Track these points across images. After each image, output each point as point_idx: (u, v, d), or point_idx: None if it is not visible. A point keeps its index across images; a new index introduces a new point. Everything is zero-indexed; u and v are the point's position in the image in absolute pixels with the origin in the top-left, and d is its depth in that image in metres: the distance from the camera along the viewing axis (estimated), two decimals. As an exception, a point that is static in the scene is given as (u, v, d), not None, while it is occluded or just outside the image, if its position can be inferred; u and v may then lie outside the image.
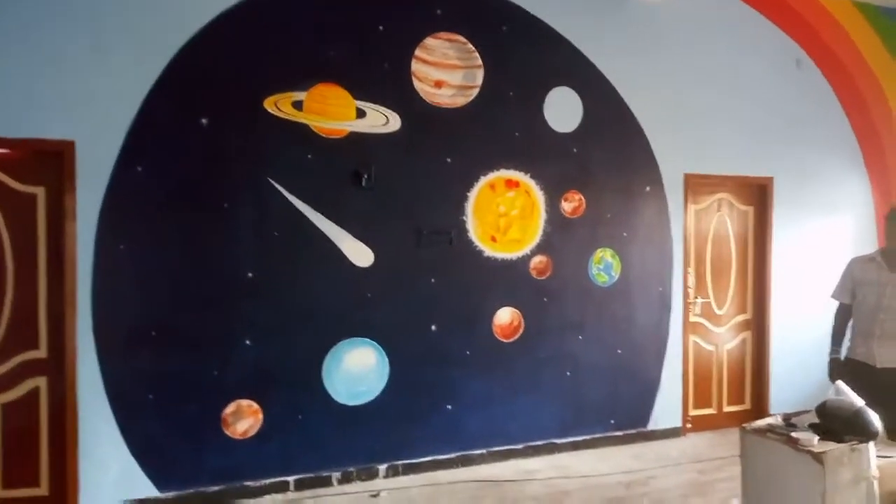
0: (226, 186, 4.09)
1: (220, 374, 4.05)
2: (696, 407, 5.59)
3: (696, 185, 5.52)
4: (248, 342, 4.13)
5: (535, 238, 4.93)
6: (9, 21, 3.65)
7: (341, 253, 4.37)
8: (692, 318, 5.58)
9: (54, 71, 3.72)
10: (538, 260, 4.92)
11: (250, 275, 4.14)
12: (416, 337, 4.57)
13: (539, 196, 4.94)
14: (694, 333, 5.60)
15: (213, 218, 4.07)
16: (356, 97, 4.38)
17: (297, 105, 4.25)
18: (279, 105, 4.21)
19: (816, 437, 2.50)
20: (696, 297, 5.61)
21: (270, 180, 4.19)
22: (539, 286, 4.93)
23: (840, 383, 2.87)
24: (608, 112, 5.15)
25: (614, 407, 5.22)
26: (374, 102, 4.43)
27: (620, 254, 5.21)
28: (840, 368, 3.65)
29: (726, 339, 5.76)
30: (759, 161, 5.72)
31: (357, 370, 4.42)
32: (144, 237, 3.92)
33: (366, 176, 4.37)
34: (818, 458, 2.38)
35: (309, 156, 4.28)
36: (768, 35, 5.74)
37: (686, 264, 5.48)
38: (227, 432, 4.08)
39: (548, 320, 4.97)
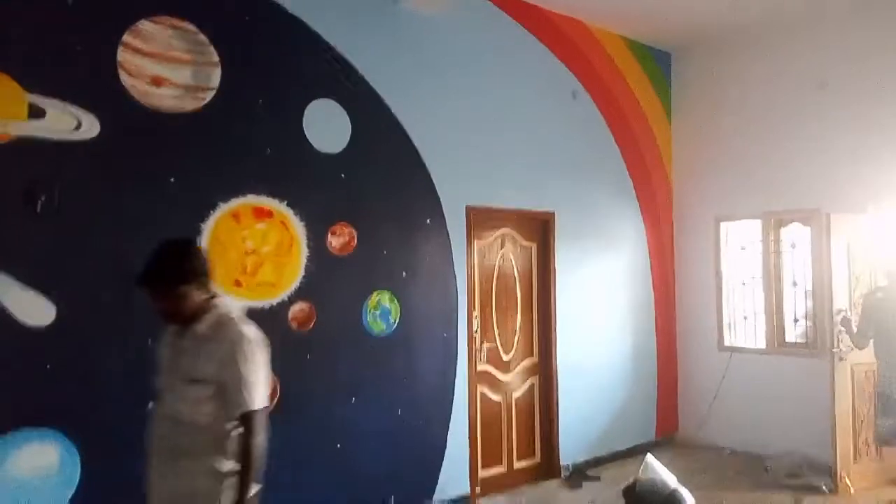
0: None
1: None
2: (486, 466, 4.98)
3: (479, 218, 5.01)
4: None
5: (295, 281, 3.99)
6: None
7: (1, 307, 3.04)
8: (479, 367, 5.00)
9: None
10: (299, 308, 3.98)
11: None
12: (124, 419, 3.32)
13: (299, 229, 4.02)
14: (481, 383, 5.01)
15: None
16: (29, 89, 3.13)
17: (-71, 93, 2.91)
18: None
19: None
20: (482, 343, 5.06)
21: None
22: (300, 340, 3.98)
23: (649, 458, 2.33)
24: (381, 133, 4.45)
25: (395, 479, 4.38)
26: (60, 98, 3.21)
27: (399, 297, 4.47)
28: None
29: (514, 387, 5.27)
30: (541, 195, 5.41)
31: (29, 476, 3.07)
32: None
33: (43, 198, 3.12)
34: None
35: (-51, 167, 2.95)
36: (547, 63, 5.51)
37: (471, 306, 4.91)
38: None
39: (312, 382, 4.02)
